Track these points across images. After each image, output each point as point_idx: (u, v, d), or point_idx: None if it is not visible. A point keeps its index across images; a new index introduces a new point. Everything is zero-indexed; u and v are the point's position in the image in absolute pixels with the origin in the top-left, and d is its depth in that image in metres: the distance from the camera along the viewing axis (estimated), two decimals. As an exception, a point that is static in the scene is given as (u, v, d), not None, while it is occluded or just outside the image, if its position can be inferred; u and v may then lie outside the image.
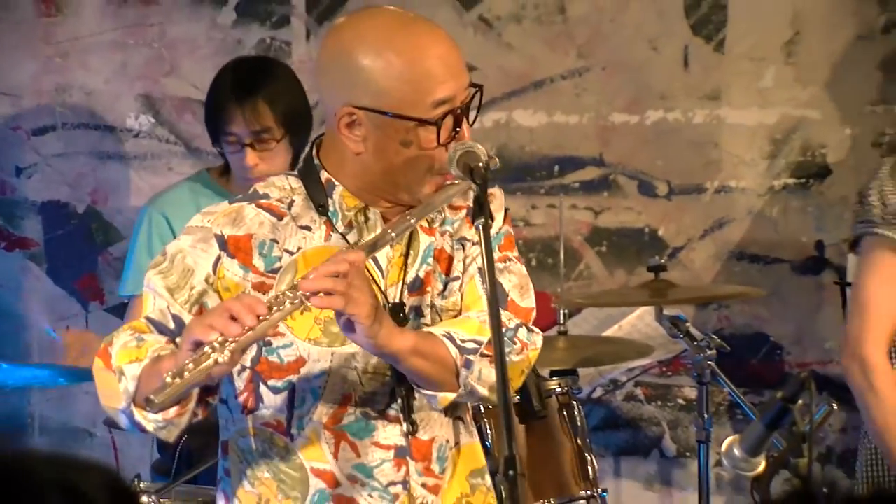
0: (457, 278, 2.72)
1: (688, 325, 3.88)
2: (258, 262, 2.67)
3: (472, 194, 2.63)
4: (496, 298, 2.52)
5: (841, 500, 1.52)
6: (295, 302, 2.50)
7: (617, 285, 4.56)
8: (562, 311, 4.08)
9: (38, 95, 4.64)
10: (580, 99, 4.57)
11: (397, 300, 2.69)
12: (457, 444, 2.76)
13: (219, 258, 2.67)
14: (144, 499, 3.48)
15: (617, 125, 4.57)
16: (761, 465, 3.05)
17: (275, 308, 2.49)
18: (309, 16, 4.58)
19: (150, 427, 2.58)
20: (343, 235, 2.68)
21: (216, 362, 2.42)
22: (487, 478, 2.81)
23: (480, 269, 2.70)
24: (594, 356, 4.15)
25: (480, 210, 2.54)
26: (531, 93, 4.57)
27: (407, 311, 2.69)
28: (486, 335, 2.62)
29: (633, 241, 4.59)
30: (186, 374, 2.43)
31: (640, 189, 4.59)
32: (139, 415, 2.57)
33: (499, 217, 2.73)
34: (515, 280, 2.72)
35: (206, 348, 2.43)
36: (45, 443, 4.67)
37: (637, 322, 4.39)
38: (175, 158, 4.61)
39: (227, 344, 2.44)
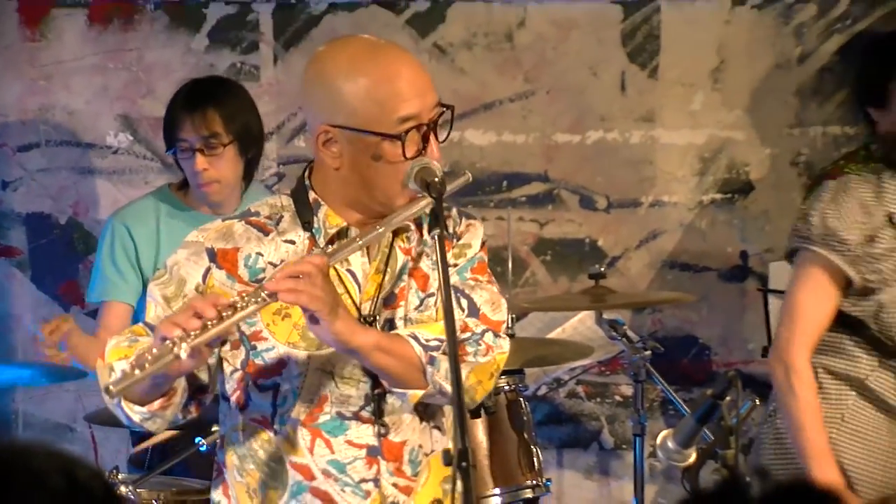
0: (432, 294, 2.74)
1: (625, 328, 3.91)
2: (243, 272, 2.71)
3: (453, 214, 2.70)
4: (451, 303, 2.54)
5: (766, 489, 1.55)
6: (258, 301, 2.53)
7: (560, 291, 4.57)
8: (509, 316, 4.09)
9: (23, 114, 4.62)
10: (526, 120, 4.59)
11: (371, 313, 2.71)
12: (432, 451, 2.76)
13: (208, 269, 2.71)
14: (122, 489, 3.49)
15: (560, 144, 4.60)
16: (692, 457, 3.07)
17: (239, 306, 2.53)
18: (276, 42, 4.59)
19: (136, 418, 2.62)
20: (323, 250, 2.70)
21: (175, 356, 2.46)
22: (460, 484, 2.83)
23: (455, 286, 2.73)
24: (539, 357, 4.16)
25: (436, 221, 2.57)
26: (481, 114, 4.59)
27: (380, 323, 2.71)
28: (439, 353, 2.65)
29: (574, 250, 4.61)
30: (147, 365, 2.46)
31: (581, 203, 4.61)
32: (126, 407, 2.62)
33: (476, 244, 2.77)
34: (486, 296, 2.73)
35: (168, 342, 2.47)
36: (29, 438, 4.64)
37: (578, 325, 4.41)
38: (151, 174, 4.60)
39: (188, 339, 2.47)
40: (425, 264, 2.76)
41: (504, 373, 3.93)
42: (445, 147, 4.48)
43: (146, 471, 3.62)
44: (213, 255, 2.72)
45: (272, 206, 2.76)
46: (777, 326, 3.34)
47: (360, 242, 2.64)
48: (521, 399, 3.89)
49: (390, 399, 2.71)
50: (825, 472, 3.18)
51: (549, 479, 3.90)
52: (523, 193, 4.61)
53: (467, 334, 2.68)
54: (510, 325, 4.07)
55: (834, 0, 4.51)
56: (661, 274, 4.59)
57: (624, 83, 4.57)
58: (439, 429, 2.78)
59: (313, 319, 2.56)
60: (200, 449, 3.43)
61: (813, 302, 3.23)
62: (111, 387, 2.46)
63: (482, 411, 3.76)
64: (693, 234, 4.59)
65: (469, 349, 2.67)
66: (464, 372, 2.56)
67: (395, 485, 2.73)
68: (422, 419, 2.75)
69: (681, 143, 4.57)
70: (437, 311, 2.74)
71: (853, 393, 3.25)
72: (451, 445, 2.49)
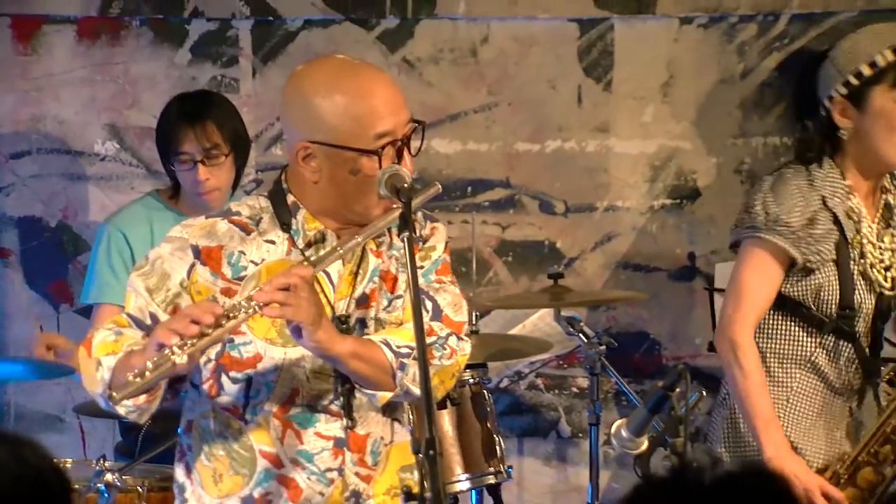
0: (400, 296, 2.75)
1: (581, 324, 3.92)
2: (226, 269, 2.71)
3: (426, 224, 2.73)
4: (419, 302, 2.56)
5: (717, 474, 1.55)
6: (248, 311, 2.54)
7: (521, 290, 4.57)
8: (474, 313, 4.10)
9: (15, 124, 4.59)
10: (489, 130, 4.59)
11: (345, 312, 2.72)
12: (391, 441, 2.78)
13: (193, 265, 2.71)
14: (109, 476, 3.47)
15: (521, 153, 4.60)
16: (644, 445, 3.08)
17: (231, 315, 2.53)
18: (255, 56, 4.58)
19: (122, 411, 2.62)
20: (302, 251, 2.71)
21: (173, 364, 2.47)
22: (416, 473, 2.84)
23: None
24: (501, 351, 4.17)
25: (405, 224, 2.59)
26: (447, 124, 4.59)
27: (352, 322, 2.72)
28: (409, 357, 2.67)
29: (534, 252, 4.62)
30: (147, 373, 2.48)
31: (540, 208, 4.62)
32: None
33: (440, 247, 2.79)
34: (449, 298, 2.75)
35: (166, 351, 2.47)
36: (21, 429, 4.61)
37: (538, 322, 4.41)
38: (137, 180, 4.58)
39: (185, 346, 2.48)
40: (394, 267, 2.77)
41: (468, 366, 3.93)
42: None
43: (132, 459, 3.61)
44: (197, 252, 2.71)
45: (251, 206, 2.76)
46: (722, 306, 3.34)
47: (341, 252, 2.65)
48: (485, 391, 3.90)
49: (358, 395, 2.72)
50: (772, 437, 3.20)
51: (510, 466, 3.91)
52: (487, 199, 4.61)
53: (433, 338, 2.69)
54: (474, 322, 4.08)
55: (773, 20, 4.53)
56: (614, 274, 4.60)
57: (580, 96, 4.57)
58: (399, 421, 2.80)
59: (297, 331, 2.57)
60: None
61: (757, 283, 3.24)
62: (115, 394, 2.48)
63: (448, 402, 3.77)
64: (644, 236, 4.60)
65: (435, 353, 2.69)
66: (419, 373, 2.57)
67: (357, 474, 2.75)
68: (384, 413, 2.77)
69: (633, 153, 4.58)
70: (403, 311, 2.75)
71: (798, 372, 3.27)
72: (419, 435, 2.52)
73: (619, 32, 4.54)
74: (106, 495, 3.36)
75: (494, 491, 3.96)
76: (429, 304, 2.72)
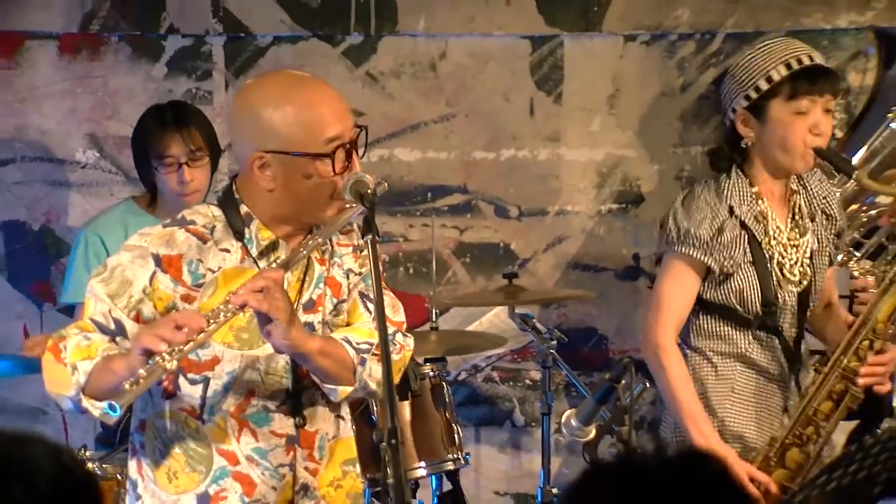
0: (345, 300, 2.77)
1: (534, 321, 3.93)
2: (186, 277, 2.70)
3: (365, 236, 2.67)
4: (382, 301, 2.57)
5: (658, 459, 1.56)
6: (228, 314, 2.54)
7: (478, 289, 4.57)
8: (434, 310, 4.10)
9: (0, 134, 4.57)
10: (448, 139, 4.58)
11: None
12: (335, 436, 2.80)
13: (154, 273, 2.69)
14: (90, 465, 3.45)
15: (477, 160, 4.60)
16: (592, 433, 3.10)
17: (212, 320, 2.53)
18: (228, 70, 4.56)
19: (95, 413, 2.60)
20: (255, 260, 2.71)
21: (165, 370, 2.48)
22: (357, 466, 2.84)
23: (361, 292, 2.78)
24: (459, 346, 4.17)
25: (369, 227, 2.60)
26: (409, 134, 4.58)
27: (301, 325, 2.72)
28: (375, 338, 2.68)
29: (490, 253, 4.62)
30: (141, 381, 2.48)
31: (496, 212, 4.62)
32: (87, 402, 2.61)
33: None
34: (388, 300, 2.76)
35: (157, 358, 2.47)
36: (6, 421, 4.58)
37: (494, 319, 4.41)
38: (116, 186, 4.56)
39: (174, 353, 2.47)
40: (338, 273, 2.78)
41: (429, 360, 3.95)
42: (377, 163, 4.56)
43: (112, 449, 3.59)
44: (158, 260, 2.70)
45: (204, 215, 2.75)
46: (644, 315, 3.37)
47: (304, 252, 2.66)
48: (444, 383, 3.91)
49: (307, 394, 2.73)
50: (699, 428, 3.23)
51: (468, 453, 3.91)
52: (445, 203, 4.60)
53: (387, 327, 2.68)
54: (434, 320, 4.08)
55: (710, 38, 4.55)
56: (565, 274, 4.60)
57: (532, 108, 4.58)
58: (343, 418, 2.82)
59: (268, 332, 2.58)
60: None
61: (674, 292, 3.27)
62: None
63: (409, 394, 3.76)
64: (593, 239, 4.60)
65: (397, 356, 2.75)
66: (381, 368, 2.58)
67: (306, 468, 2.76)
68: (331, 410, 2.78)
69: (582, 160, 4.59)
70: (349, 313, 2.78)
71: (738, 366, 3.30)
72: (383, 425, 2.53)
73: (568, 49, 4.55)
74: (88, 484, 3.33)
75: (453, 476, 3.97)
76: (370, 306, 2.74)
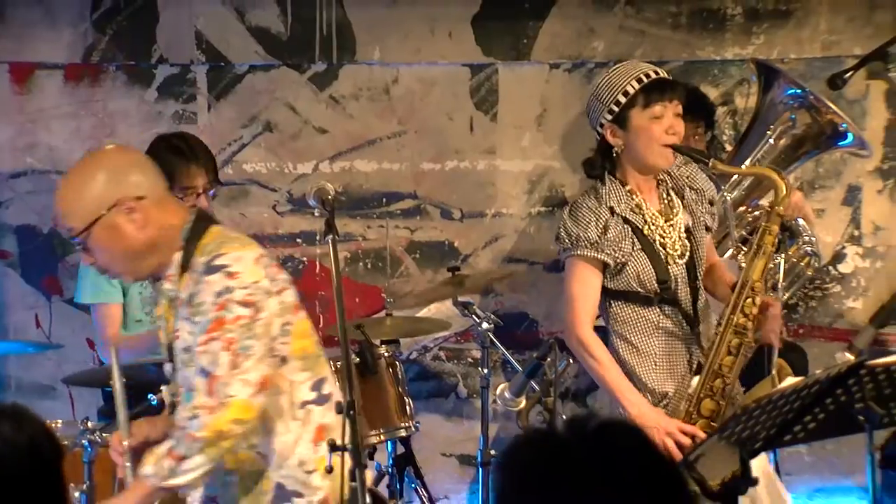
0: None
1: (474, 307, 3.91)
2: None
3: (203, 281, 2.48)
4: (342, 306, 2.50)
5: (581, 426, 1.52)
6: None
7: (426, 281, 4.55)
8: (388, 299, 4.08)
9: (13, 150, 4.51)
10: (400, 152, 4.56)
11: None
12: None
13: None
14: (91, 434, 3.39)
15: (426, 171, 4.58)
16: (522, 403, 3.09)
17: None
18: (210, 94, 4.52)
19: None
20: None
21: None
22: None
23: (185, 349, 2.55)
24: (411, 330, 4.16)
25: (329, 228, 2.57)
26: (366, 148, 4.54)
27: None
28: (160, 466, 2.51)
29: (437, 250, 4.60)
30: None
31: (441, 215, 4.60)
32: None
33: (209, 300, 2.51)
34: (209, 358, 2.51)
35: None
36: (20, 396, 4.53)
37: (440, 306, 4.40)
38: (114, 194, 4.50)
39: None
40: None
41: (384, 342, 3.91)
42: (339, 173, 4.53)
43: (111, 420, 3.52)
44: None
45: None
46: (563, 314, 3.34)
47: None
48: (398, 362, 3.88)
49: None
50: (630, 400, 3.22)
51: (418, 422, 3.89)
52: (398, 208, 4.58)
53: (187, 417, 2.47)
54: (388, 308, 4.05)
55: (621, 66, 4.57)
56: (501, 268, 4.59)
57: (472, 125, 4.56)
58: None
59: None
60: (152, 403, 3.34)
61: (581, 290, 3.26)
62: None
63: (367, 372, 3.72)
64: (524, 237, 4.60)
65: (192, 429, 2.47)
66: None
67: None
68: None
69: (514, 170, 4.58)
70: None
71: (655, 340, 3.28)
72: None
73: (502, 75, 4.54)
74: (89, 449, 3.31)
75: (405, 441, 3.94)
76: (198, 373, 2.48)
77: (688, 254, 3.29)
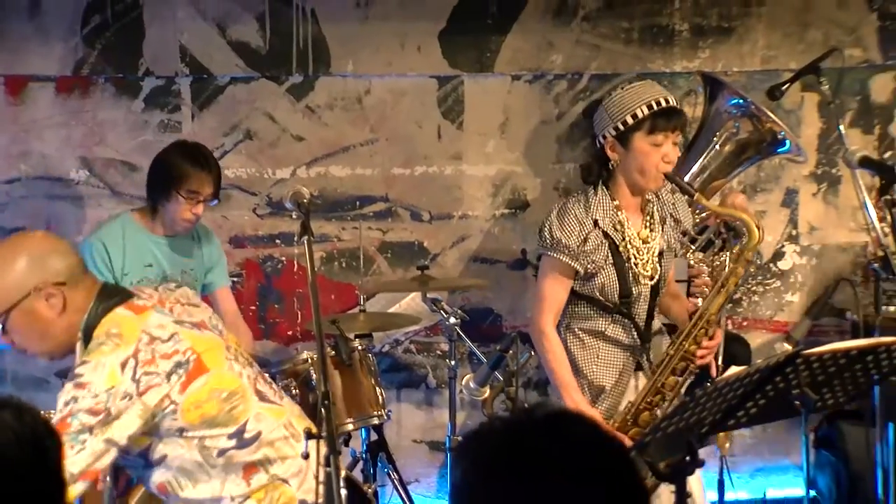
0: None
1: (442, 303, 3.90)
2: None
3: None
4: (317, 302, 2.49)
5: (540, 414, 1.53)
6: None
7: (397, 278, 4.55)
8: (362, 296, 4.07)
9: (8, 157, 4.46)
10: (372, 158, 4.55)
11: None
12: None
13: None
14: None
15: (396, 175, 4.57)
16: (487, 392, 3.08)
17: None
18: (193, 104, 4.49)
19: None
20: None
21: None
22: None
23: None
24: (383, 324, 4.15)
25: (305, 230, 2.56)
26: (341, 154, 4.53)
27: None
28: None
29: (407, 250, 4.59)
30: None
31: (411, 217, 4.59)
32: None
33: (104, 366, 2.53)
34: (62, 401, 2.58)
35: None
36: (16, 389, 4.48)
37: (411, 302, 4.41)
38: (103, 199, 4.47)
39: None
40: None
41: (358, 336, 3.90)
42: (315, 178, 4.52)
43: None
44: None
45: None
46: (531, 306, 3.36)
47: None
48: (371, 355, 3.86)
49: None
50: (572, 397, 3.25)
51: (390, 410, 3.88)
52: (371, 210, 4.57)
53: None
54: (362, 303, 4.04)
55: (578, 78, 4.57)
56: (467, 266, 4.59)
57: (440, 133, 4.56)
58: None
59: None
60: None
61: (552, 288, 3.27)
62: None
63: (343, 364, 3.71)
64: (489, 238, 4.60)
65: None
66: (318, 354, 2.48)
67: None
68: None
69: (479, 175, 4.58)
70: None
71: (600, 342, 3.30)
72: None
73: (467, 86, 4.54)
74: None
75: (378, 429, 3.93)
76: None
77: (657, 276, 3.30)
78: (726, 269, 3.21)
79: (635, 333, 3.29)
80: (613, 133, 3.23)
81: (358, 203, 4.57)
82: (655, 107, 3.20)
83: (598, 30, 4.55)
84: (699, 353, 3.21)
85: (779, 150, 4.06)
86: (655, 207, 3.34)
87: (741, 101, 4.04)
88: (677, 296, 3.45)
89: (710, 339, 3.22)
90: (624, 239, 3.26)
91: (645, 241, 3.28)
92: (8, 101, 4.45)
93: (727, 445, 3.23)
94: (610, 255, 3.25)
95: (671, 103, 3.23)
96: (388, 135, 4.54)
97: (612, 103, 3.25)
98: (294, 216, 2.68)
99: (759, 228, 3.15)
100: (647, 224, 3.31)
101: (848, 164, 3.42)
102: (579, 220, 3.24)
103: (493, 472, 1.44)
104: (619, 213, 3.27)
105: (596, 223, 3.24)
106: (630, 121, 3.20)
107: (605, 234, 3.25)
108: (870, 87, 4.68)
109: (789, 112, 4.61)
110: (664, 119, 3.19)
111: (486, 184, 4.60)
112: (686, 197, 3.28)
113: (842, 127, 4.17)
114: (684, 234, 3.41)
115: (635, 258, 3.26)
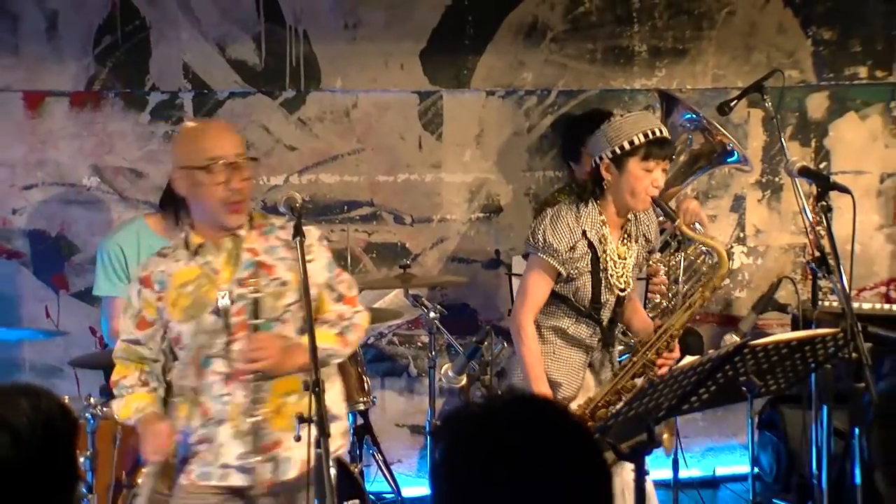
0: (277, 279, 2.71)
1: (423, 299, 3.90)
2: (156, 286, 2.72)
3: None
4: (307, 289, 2.53)
5: (511, 399, 1.53)
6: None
7: (381, 277, 4.54)
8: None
9: (27, 166, 4.44)
10: (359, 167, 4.54)
11: (231, 291, 2.68)
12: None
13: (139, 290, 2.74)
14: (93, 409, 3.34)
15: (381, 182, 4.56)
16: (464, 381, 3.09)
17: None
18: (195, 117, 4.47)
19: None
20: (188, 260, 2.72)
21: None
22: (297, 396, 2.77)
23: (327, 284, 2.75)
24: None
25: (297, 231, 2.56)
26: (329, 163, 4.52)
27: (233, 296, 2.69)
28: (337, 345, 2.71)
29: (391, 251, 4.59)
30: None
31: (395, 220, 4.59)
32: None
33: (326, 255, 2.80)
34: (345, 284, 2.81)
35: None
36: (33, 377, 4.46)
37: (394, 298, 4.40)
38: (112, 204, 4.45)
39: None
40: (270, 258, 2.72)
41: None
42: (306, 184, 4.52)
43: (110, 396, 3.47)
44: (139, 280, 2.75)
45: (178, 237, 2.78)
46: (514, 300, 3.35)
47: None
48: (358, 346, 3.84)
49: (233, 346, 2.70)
50: (541, 387, 3.24)
51: (375, 397, 3.88)
52: (357, 214, 4.56)
53: (346, 323, 2.73)
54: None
55: (547, 94, 4.58)
56: (446, 265, 4.59)
57: (421, 144, 4.56)
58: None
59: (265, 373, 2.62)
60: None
61: (536, 286, 3.26)
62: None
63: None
64: (466, 239, 4.60)
65: (351, 337, 2.75)
66: (308, 335, 2.55)
67: (245, 396, 2.71)
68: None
69: (457, 182, 4.58)
70: (318, 301, 2.75)
71: (558, 338, 3.30)
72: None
73: (446, 101, 4.54)
74: (92, 421, 3.27)
75: (364, 414, 3.93)
76: (334, 295, 2.77)
77: (628, 290, 3.30)
78: (696, 293, 3.22)
79: (599, 335, 3.29)
80: (610, 156, 3.22)
81: (346, 207, 4.57)
82: (651, 136, 3.20)
83: (565, 50, 4.57)
84: (659, 362, 3.22)
85: (728, 161, 4.09)
86: (632, 226, 3.35)
87: (694, 115, 4.06)
88: (637, 310, 3.46)
89: (671, 351, 3.23)
90: (605, 252, 3.26)
91: (621, 257, 3.29)
92: (27, 114, 4.44)
93: (671, 448, 3.25)
94: (590, 264, 3.25)
95: (665, 134, 3.24)
96: (373, 145, 4.53)
97: (610, 129, 3.23)
98: (287, 219, 2.69)
99: (728, 260, 3.16)
100: (625, 241, 3.32)
101: (789, 174, 3.44)
102: (570, 228, 3.23)
103: (469, 451, 1.44)
104: (604, 227, 3.27)
105: (584, 233, 3.24)
106: (627, 146, 3.19)
107: (590, 245, 3.24)
108: (807, 105, 4.73)
109: (737, 126, 4.65)
110: (658, 147, 3.19)
111: (463, 190, 4.60)
112: (668, 221, 3.27)
113: (783, 140, 4.20)
114: (650, 252, 3.43)
115: (612, 270, 3.26)
